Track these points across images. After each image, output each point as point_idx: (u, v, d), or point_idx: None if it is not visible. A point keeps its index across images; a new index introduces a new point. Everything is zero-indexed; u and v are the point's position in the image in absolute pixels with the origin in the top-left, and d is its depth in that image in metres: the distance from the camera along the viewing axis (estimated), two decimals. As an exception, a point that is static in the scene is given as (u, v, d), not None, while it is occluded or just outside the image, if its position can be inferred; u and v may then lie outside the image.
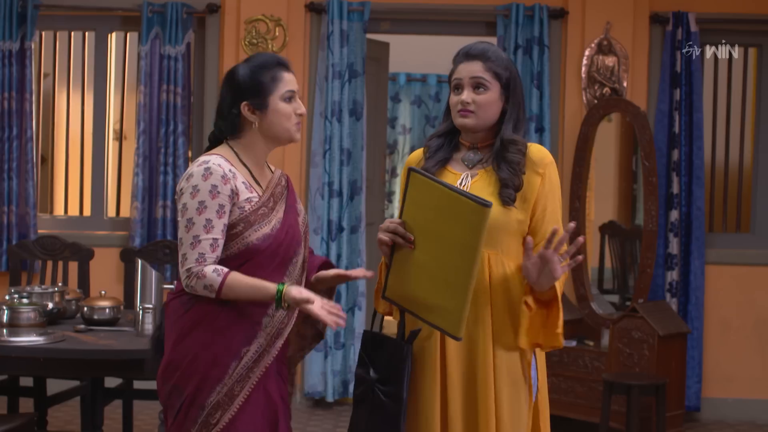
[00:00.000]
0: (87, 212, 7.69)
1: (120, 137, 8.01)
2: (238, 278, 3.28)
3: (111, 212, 7.77)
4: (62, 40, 7.79)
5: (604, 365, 6.57)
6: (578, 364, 6.69)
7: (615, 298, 7.34)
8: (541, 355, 3.41)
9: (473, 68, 3.37)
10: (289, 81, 3.42)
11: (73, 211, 8.11)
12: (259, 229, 3.34)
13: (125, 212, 7.81)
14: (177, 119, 7.18)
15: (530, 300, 3.24)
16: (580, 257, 3.15)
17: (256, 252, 3.33)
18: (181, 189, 3.33)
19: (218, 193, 3.28)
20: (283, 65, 3.44)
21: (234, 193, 3.32)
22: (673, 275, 7.12)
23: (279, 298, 3.27)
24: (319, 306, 3.27)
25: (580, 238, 3.16)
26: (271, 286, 3.29)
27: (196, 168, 3.32)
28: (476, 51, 3.40)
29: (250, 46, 7.19)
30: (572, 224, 3.17)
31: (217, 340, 3.31)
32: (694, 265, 7.15)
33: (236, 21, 7.25)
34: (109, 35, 7.58)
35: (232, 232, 3.32)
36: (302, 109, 3.44)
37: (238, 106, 3.39)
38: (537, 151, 3.35)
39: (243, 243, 3.32)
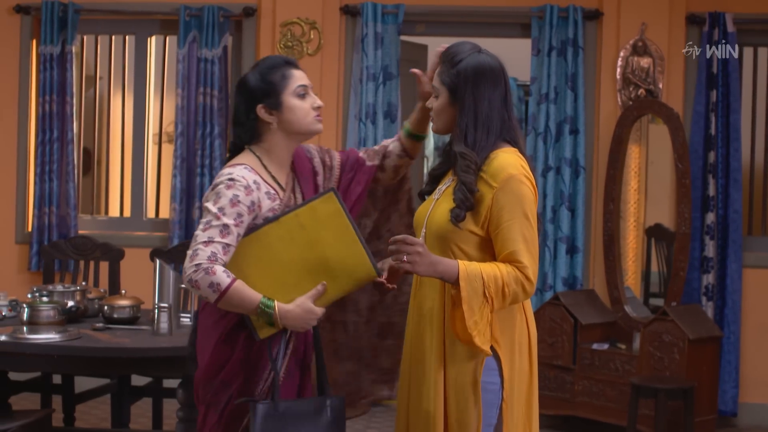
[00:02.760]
0: (127, 213, 7.81)
1: (160, 140, 8.10)
2: (243, 288, 3.31)
3: (150, 213, 7.87)
4: (103, 44, 7.91)
5: (635, 369, 6.52)
6: (609, 367, 6.64)
7: (661, 302, 7.26)
8: (511, 360, 3.31)
9: (436, 74, 3.37)
10: (299, 77, 3.47)
11: (114, 212, 8.23)
12: None
13: (164, 213, 7.91)
14: (214, 121, 7.27)
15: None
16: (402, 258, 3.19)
17: None
18: (206, 197, 3.40)
19: (239, 202, 3.34)
20: (291, 63, 3.49)
21: (256, 205, 3.37)
22: (709, 278, 7.05)
23: (269, 314, 3.32)
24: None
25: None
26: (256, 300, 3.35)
27: (220, 179, 3.39)
28: (441, 55, 3.37)
29: (285, 49, 7.25)
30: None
31: None
32: (731, 268, 7.06)
33: (272, 24, 7.32)
34: (149, 39, 7.69)
35: None
36: (318, 102, 3.49)
37: (254, 110, 3.44)
38: (498, 163, 3.24)
39: None
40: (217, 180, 3.40)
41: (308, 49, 7.26)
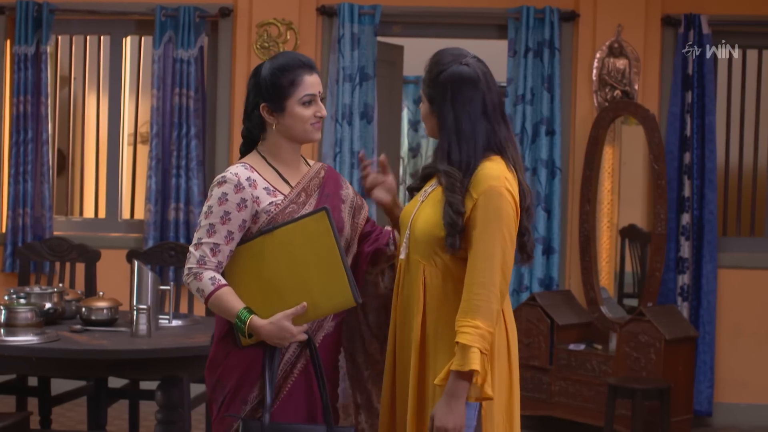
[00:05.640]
0: (102, 214, 7.77)
1: (135, 140, 8.07)
2: (225, 296, 3.34)
3: (125, 214, 7.84)
4: (78, 45, 7.87)
5: (611, 369, 6.54)
6: (586, 367, 6.66)
7: (635, 302, 7.29)
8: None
9: (422, 80, 3.36)
10: (309, 84, 3.43)
11: (89, 213, 8.19)
12: None
13: (139, 215, 7.88)
14: (190, 122, 7.24)
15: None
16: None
17: None
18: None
19: (226, 200, 3.36)
20: (307, 66, 3.45)
21: (251, 201, 3.37)
22: (684, 279, 7.08)
23: (241, 327, 3.34)
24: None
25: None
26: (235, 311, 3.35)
27: (215, 179, 3.42)
28: (427, 62, 3.33)
29: (261, 50, 7.24)
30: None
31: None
32: (706, 269, 7.10)
33: (248, 24, 7.30)
34: (124, 39, 7.65)
35: None
36: (322, 112, 3.46)
37: (258, 107, 3.45)
38: (482, 174, 3.21)
39: None
40: (213, 180, 3.44)
41: (284, 50, 7.23)
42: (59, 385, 6.04)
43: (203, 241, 3.36)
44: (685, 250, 7.08)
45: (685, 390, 6.61)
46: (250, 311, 3.33)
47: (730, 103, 7.48)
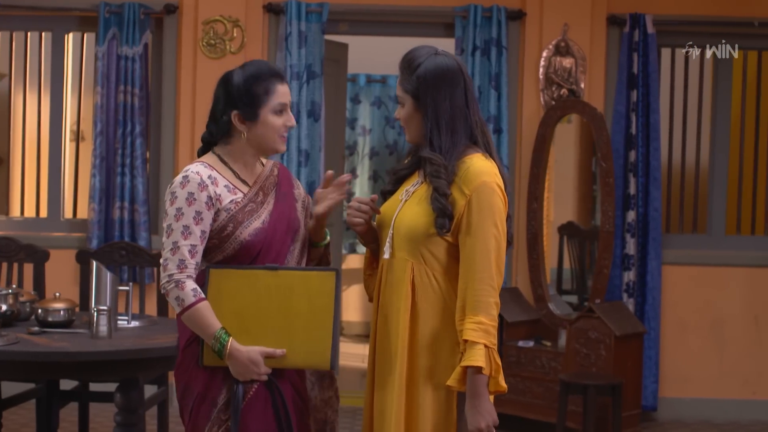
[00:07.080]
0: (43, 213, 7.64)
1: (77, 138, 7.94)
2: (204, 311, 3.33)
3: (68, 213, 7.71)
4: (18, 41, 7.72)
5: (561, 365, 6.60)
6: (535, 364, 6.71)
7: (574, 299, 7.37)
8: None
9: (398, 83, 3.37)
10: (282, 93, 3.45)
11: (30, 212, 8.05)
12: (249, 225, 3.41)
13: (82, 213, 7.76)
14: (134, 120, 7.15)
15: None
16: None
17: (251, 248, 3.40)
18: (165, 197, 3.42)
19: (194, 200, 3.36)
20: (278, 76, 3.47)
21: (214, 199, 3.38)
22: (630, 276, 7.16)
23: (219, 348, 3.34)
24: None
25: None
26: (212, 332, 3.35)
27: (177, 177, 3.41)
28: (400, 63, 3.35)
29: (207, 47, 7.17)
30: None
31: None
32: (651, 265, 7.19)
33: (194, 22, 7.23)
34: (66, 36, 7.52)
35: (223, 234, 3.39)
36: (292, 122, 3.47)
37: (229, 113, 3.44)
38: (473, 170, 3.24)
39: (237, 242, 3.40)
40: (173, 180, 3.43)
41: (231, 48, 7.19)
42: (7, 388, 5.92)
43: (180, 244, 3.34)
44: (631, 247, 7.16)
45: (634, 385, 6.69)
46: (228, 333, 3.33)
47: (673, 102, 7.59)
